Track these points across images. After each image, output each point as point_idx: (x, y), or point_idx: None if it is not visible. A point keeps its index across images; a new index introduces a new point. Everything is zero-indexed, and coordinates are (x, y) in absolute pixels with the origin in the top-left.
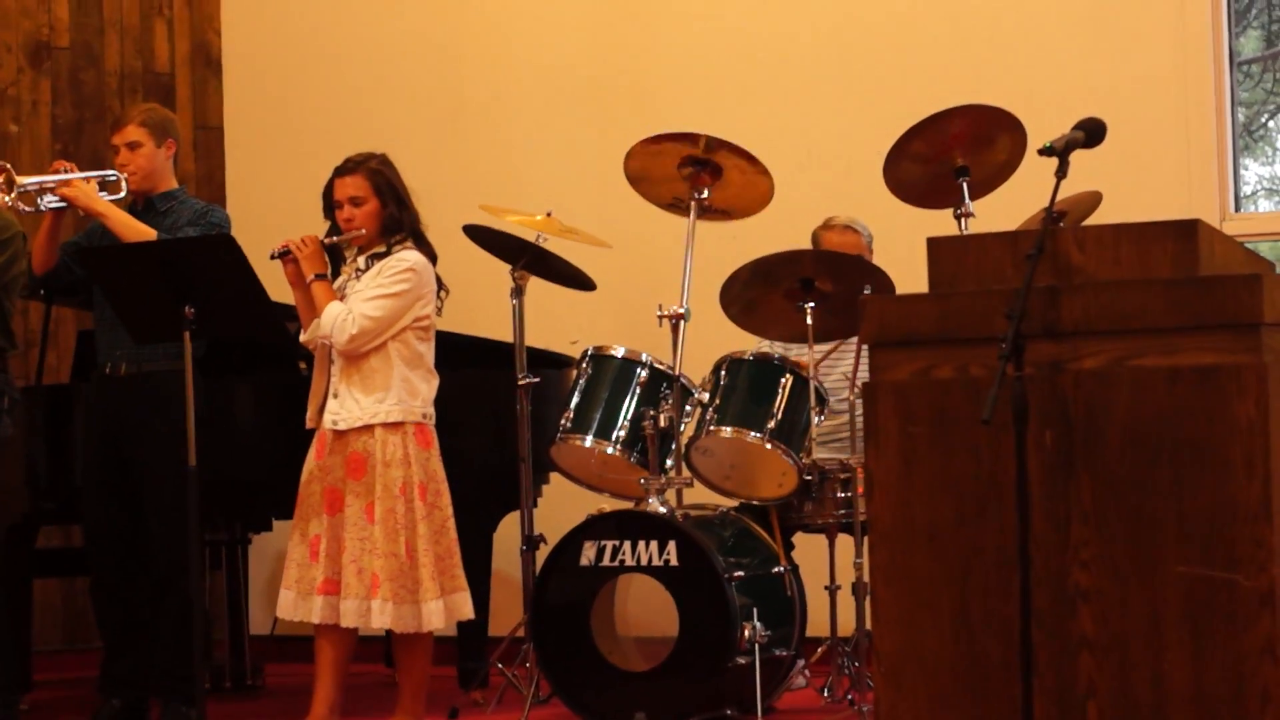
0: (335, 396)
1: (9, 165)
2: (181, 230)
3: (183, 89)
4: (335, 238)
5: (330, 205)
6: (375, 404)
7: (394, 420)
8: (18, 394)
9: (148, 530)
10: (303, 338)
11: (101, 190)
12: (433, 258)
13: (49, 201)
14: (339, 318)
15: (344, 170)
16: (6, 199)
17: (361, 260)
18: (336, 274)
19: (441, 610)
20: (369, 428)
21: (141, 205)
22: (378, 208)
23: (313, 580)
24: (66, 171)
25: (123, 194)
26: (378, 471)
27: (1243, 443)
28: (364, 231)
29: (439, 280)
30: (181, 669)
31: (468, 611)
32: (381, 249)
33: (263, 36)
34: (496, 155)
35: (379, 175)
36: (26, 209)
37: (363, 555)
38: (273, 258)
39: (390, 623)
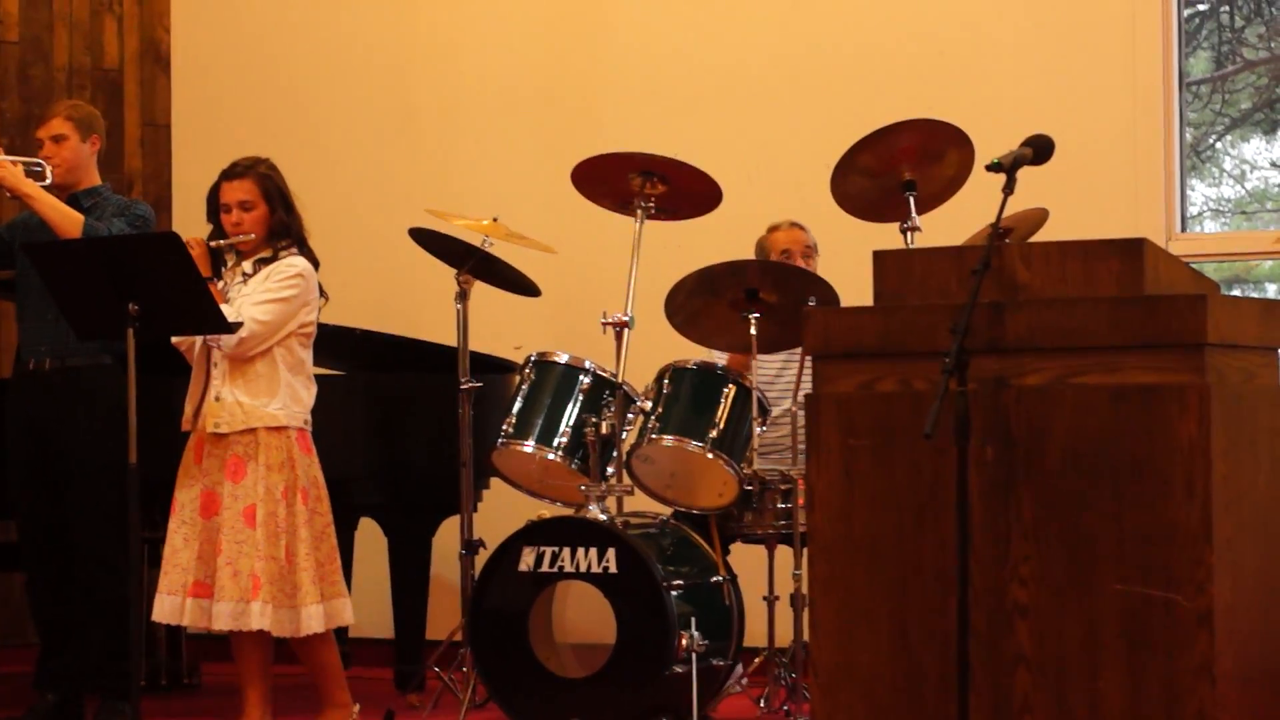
0: (218, 399)
1: None
2: (109, 221)
3: (131, 86)
4: (221, 241)
5: (215, 208)
6: (260, 408)
7: (279, 425)
8: None
9: (79, 527)
10: (174, 339)
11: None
12: (315, 264)
13: None
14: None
15: (232, 174)
16: None
17: (247, 265)
18: (216, 277)
19: (321, 615)
20: (251, 431)
21: (65, 200)
22: (266, 213)
23: (187, 584)
24: None
25: (47, 183)
26: (260, 474)
27: (1184, 463)
28: (253, 236)
29: (320, 287)
30: (117, 666)
31: (348, 617)
32: (268, 254)
33: (212, 35)
34: (443, 160)
35: (268, 180)
36: None
37: (239, 558)
38: None
39: (269, 626)
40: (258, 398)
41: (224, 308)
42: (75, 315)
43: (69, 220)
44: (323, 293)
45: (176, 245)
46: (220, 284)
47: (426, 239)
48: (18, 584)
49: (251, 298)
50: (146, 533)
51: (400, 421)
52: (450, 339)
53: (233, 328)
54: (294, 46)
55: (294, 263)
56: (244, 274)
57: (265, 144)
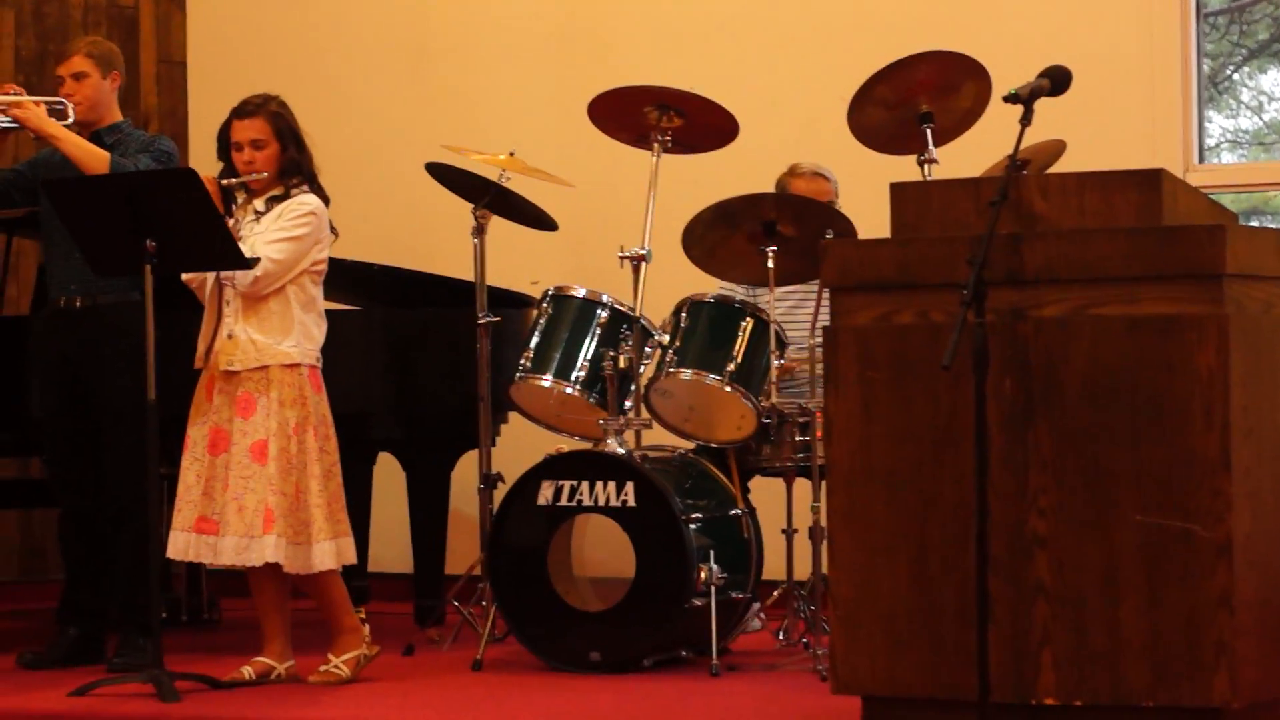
0: (230, 337)
1: None
2: (134, 158)
3: (146, 23)
4: (233, 179)
5: (226, 147)
6: (273, 345)
7: (292, 362)
8: None
9: (108, 464)
10: (184, 277)
11: (50, 117)
12: (326, 201)
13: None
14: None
15: (244, 112)
16: None
17: (259, 203)
18: (228, 215)
19: (333, 551)
20: (263, 368)
21: (88, 138)
22: (278, 151)
23: (199, 519)
24: (16, 94)
25: (69, 121)
26: (273, 410)
27: (1202, 393)
28: (265, 174)
29: (330, 224)
30: (138, 600)
31: (352, 556)
32: (279, 192)
33: None
34: (460, 95)
35: (279, 118)
36: None
37: (245, 493)
38: None
39: (283, 560)
40: (271, 335)
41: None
42: (93, 252)
43: (95, 158)
44: (333, 229)
45: (194, 181)
46: (232, 222)
47: (444, 174)
48: (38, 520)
49: (264, 236)
50: (167, 469)
51: (418, 356)
52: (467, 274)
53: (250, 263)
54: None
55: (306, 200)
56: (256, 212)
57: (281, 80)
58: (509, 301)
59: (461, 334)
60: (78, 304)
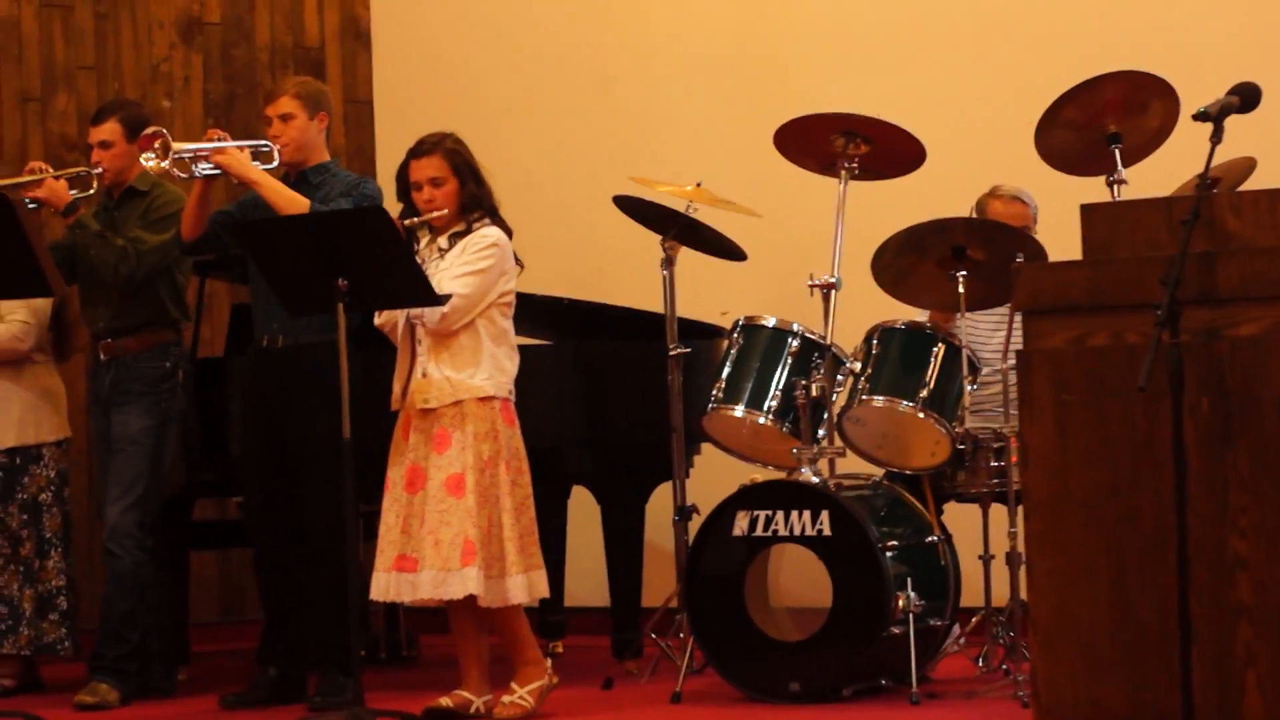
0: (424, 376)
1: (165, 131)
2: (334, 202)
3: (332, 63)
4: (414, 219)
5: (406, 187)
6: (466, 379)
7: (485, 395)
8: (190, 366)
9: (304, 502)
10: (376, 321)
11: (254, 160)
12: (509, 233)
13: (203, 169)
14: None
15: (420, 152)
16: (162, 164)
17: (443, 240)
18: None
19: (525, 585)
20: (458, 403)
21: (294, 178)
22: (457, 187)
23: (399, 557)
24: (221, 140)
25: (275, 164)
26: (467, 444)
27: None
28: (445, 211)
29: (515, 255)
30: (338, 639)
31: (544, 589)
32: (461, 228)
33: (411, 9)
34: (645, 126)
35: (456, 155)
36: (181, 175)
37: (441, 527)
38: None
39: (480, 592)
40: (463, 370)
41: None
42: (286, 292)
43: (295, 205)
44: (518, 261)
45: (384, 220)
46: (418, 260)
47: (631, 206)
48: (236, 561)
49: (450, 271)
50: (365, 507)
51: (610, 389)
52: (655, 305)
53: (442, 300)
54: (492, 18)
55: (488, 233)
56: (440, 249)
57: (466, 116)
58: (699, 332)
59: (653, 366)
60: (280, 344)
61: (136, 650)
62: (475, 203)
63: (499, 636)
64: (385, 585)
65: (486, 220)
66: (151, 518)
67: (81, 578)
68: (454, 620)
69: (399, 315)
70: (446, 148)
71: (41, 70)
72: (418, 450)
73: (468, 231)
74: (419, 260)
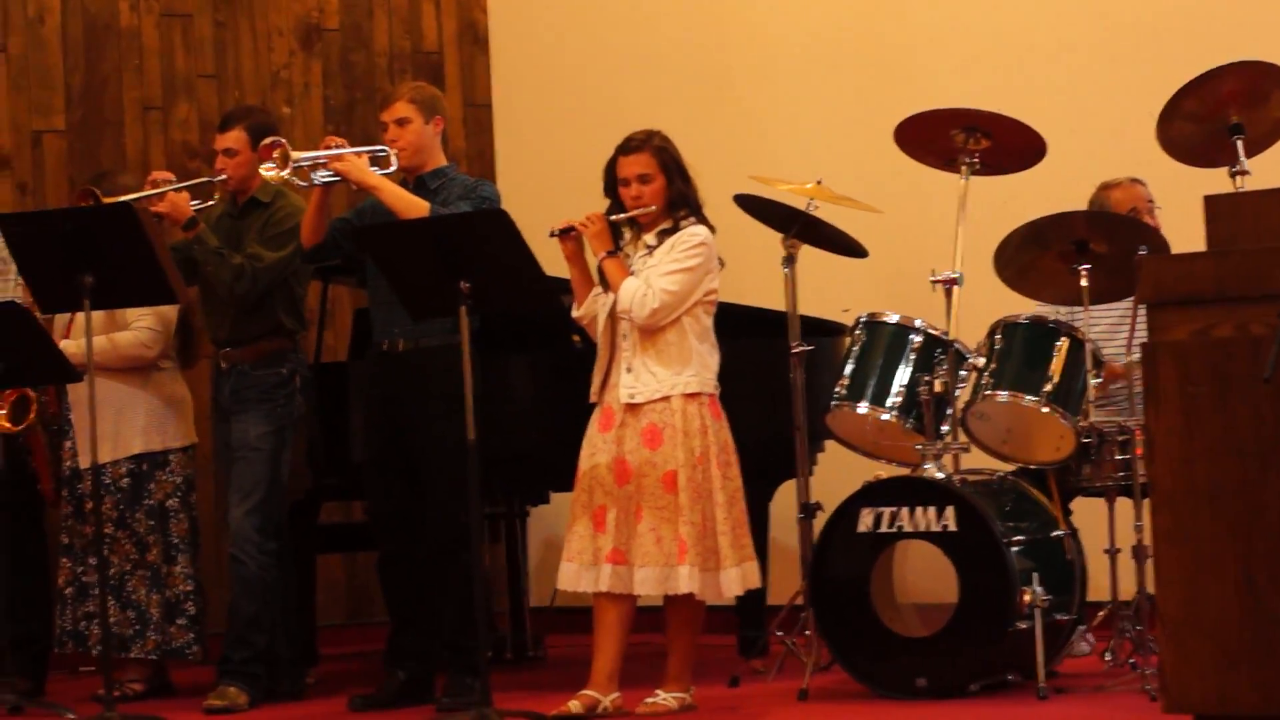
0: (630, 370)
1: (284, 141)
2: (454, 205)
3: (451, 67)
4: (620, 215)
5: (613, 183)
6: (673, 376)
7: (692, 391)
8: (309, 373)
9: (430, 505)
10: (575, 313)
11: (372, 165)
12: (713, 231)
13: (322, 176)
14: (638, 293)
15: (629, 149)
16: (282, 173)
17: (650, 237)
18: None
19: (738, 578)
20: (666, 399)
21: (412, 183)
22: (665, 184)
23: (598, 550)
24: (339, 147)
25: (393, 169)
26: (679, 441)
27: None
28: (653, 208)
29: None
30: (465, 641)
31: (757, 580)
32: (668, 225)
33: (529, 12)
34: (764, 125)
35: (664, 152)
36: (300, 184)
37: (661, 524)
38: (553, 235)
39: (696, 589)
40: (670, 366)
41: (629, 281)
42: (409, 296)
43: (414, 209)
44: (719, 260)
45: (505, 222)
46: (622, 256)
47: (752, 205)
48: (362, 564)
49: (658, 268)
50: (488, 509)
51: (733, 387)
52: (779, 304)
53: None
54: (609, 19)
55: (696, 231)
56: (647, 246)
57: (585, 118)
58: (821, 330)
59: (775, 364)
60: (401, 347)
61: (264, 653)
62: (682, 200)
63: (676, 637)
64: (575, 576)
65: (693, 219)
66: (273, 522)
67: (209, 582)
68: (601, 615)
69: (599, 309)
70: (655, 145)
71: (162, 79)
72: (625, 444)
73: (675, 229)
74: (625, 255)
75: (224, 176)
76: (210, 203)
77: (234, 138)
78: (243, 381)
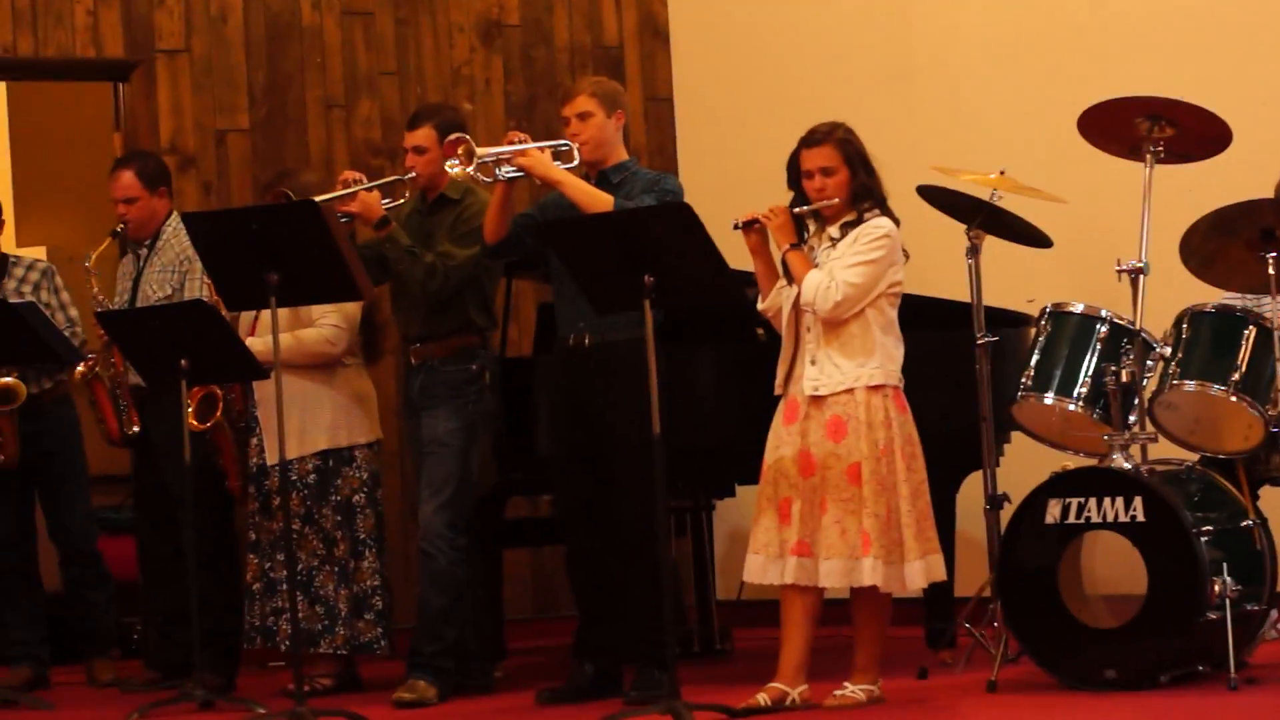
0: (813, 363)
1: (468, 137)
2: (637, 199)
3: (631, 61)
4: (805, 207)
5: (796, 175)
6: (857, 368)
7: (876, 383)
8: (498, 369)
9: (617, 498)
10: (760, 305)
11: (555, 160)
12: (897, 224)
13: (506, 172)
14: (821, 285)
15: (812, 141)
16: (467, 170)
17: (834, 229)
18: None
19: (923, 571)
20: (850, 391)
21: (595, 177)
22: (849, 177)
23: (784, 542)
24: (522, 142)
25: (575, 163)
26: (863, 433)
27: None
28: (837, 201)
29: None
30: (653, 634)
31: (942, 573)
32: (852, 218)
33: (709, 5)
34: (946, 114)
35: (848, 145)
36: (485, 180)
37: (846, 516)
38: (736, 228)
39: (880, 582)
40: (854, 358)
41: (812, 273)
42: (593, 290)
43: (598, 202)
44: (904, 253)
45: (687, 214)
46: (806, 249)
47: (935, 195)
48: (548, 557)
49: (842, 261)
50: (675, 502)
51: (918, 379)
52: (963, 295)
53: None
54: (790, 11)
55: (880, 224)
56: (831, 238)
57: (766, 110)
58: (1006, 320)
59: (960, 355)
60: (586, 341)
61: (453, 647)
62: (866, 192)
63: (862, 629)
64: (762, 568)
65: (877, 211)
66: (463, 518)
67: (395, 577)
68: (788, 608)
69: (784, 301)
70: (838, 137)
71: (344, 77)
72: (809, 436)
73: (859, 221)
74: (808, 248)
75: (413, 174)
76: (400, 201)
77: (423, 135)
78: (433, 378)
